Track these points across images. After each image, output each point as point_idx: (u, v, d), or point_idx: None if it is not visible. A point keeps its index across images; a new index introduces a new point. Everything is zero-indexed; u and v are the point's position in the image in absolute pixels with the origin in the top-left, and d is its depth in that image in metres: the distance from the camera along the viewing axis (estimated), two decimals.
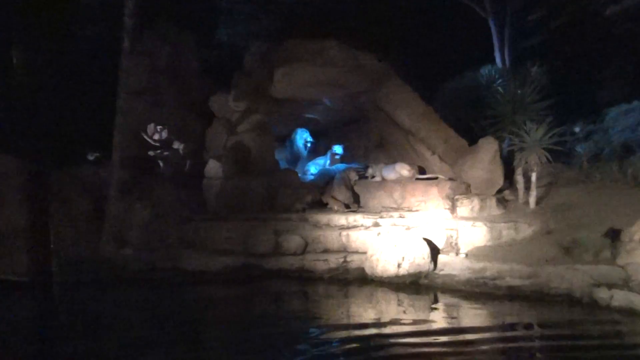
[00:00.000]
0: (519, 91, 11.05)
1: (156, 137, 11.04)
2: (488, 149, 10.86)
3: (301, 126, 13.77)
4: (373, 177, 12.03)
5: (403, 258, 8.29)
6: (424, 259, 8.38)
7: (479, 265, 8.14)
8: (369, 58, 11.64)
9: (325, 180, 12.42)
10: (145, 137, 10.87)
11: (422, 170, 11.85)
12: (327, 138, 14.43)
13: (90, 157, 11.04)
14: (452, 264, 8.47)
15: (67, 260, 9.13)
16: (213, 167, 11.63)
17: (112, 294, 8.53)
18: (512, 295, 7.49)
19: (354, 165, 12.69)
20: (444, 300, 7.68)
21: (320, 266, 8.97)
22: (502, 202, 10.69)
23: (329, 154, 13.37)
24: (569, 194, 10.65)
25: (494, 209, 10.44)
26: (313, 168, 13.37)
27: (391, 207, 10.93)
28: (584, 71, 16.10)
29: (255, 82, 12.16)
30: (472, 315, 7.04)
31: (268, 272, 9.15)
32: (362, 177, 12.16)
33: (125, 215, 9.86)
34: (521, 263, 7.88)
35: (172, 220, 10.21)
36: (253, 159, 11.97)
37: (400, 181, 11.21)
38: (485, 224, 9.20)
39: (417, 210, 10.50)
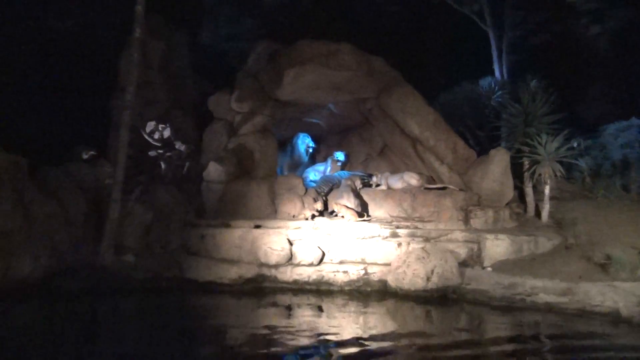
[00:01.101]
0: (533, 101, 10.93)
1: (156, 136, 10.35)
2: (500, 160, 10.70)
3: (301, 131, 13.30)
4: (378, 185, 11.69)
5: (432, 271, 7.94)
6: (452, 272, 8.06)
7: (509, 280, 7.87)
8: (380, 63, 11.32)
9: (329, 187, 11.98)
10: (145, 135, 10.16)
11: (428, 180, 11.58)
12: (324, 144, 13.99)
13: (85, 156, 10.21)
14: (479, 278, 8.17)
15: (64, 267, 8.32)
16: (214, 170, 11.01)
17: (113, 304, 7.82)
18: (550, 311, 7.21)
19: (357, 173, 12.31)
20: (489, 316, 7.29)
21: (340, 278, 8.49)
22: (514, 214, 10.54)
23: (329, 161, 12.92)
24: (576, 209, 10.57)
25: (508, 222, 10.29)
26: (312, 174, 12.90)
27: (401, 217, 10.60)
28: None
29: (260, 83, 11.65)
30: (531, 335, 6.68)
31: (283, 284, 8.60)
32: (366, 185, 11.81)
33: (124, 219, 9.11)
34: (552, 278, 7.66)
35: (175, 225, 9.52)
36: (256, 163, 11.41)
37: (410, 191, 10.89)
38: (508, 237, 8.97)
39: (429, 221, 10.20)
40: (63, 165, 9.82)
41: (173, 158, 10.27)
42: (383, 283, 8.42)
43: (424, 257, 8.09)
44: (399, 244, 8.86)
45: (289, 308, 7.84)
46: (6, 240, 7.69)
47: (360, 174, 12.29)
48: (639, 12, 15.18)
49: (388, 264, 8.67)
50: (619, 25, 16.08)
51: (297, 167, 13.09)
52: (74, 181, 9.43)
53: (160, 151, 10.05)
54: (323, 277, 8.55)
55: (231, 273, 8.52)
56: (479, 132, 14.37)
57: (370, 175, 11.96)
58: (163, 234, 9.46)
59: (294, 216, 10.60)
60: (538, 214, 10.77)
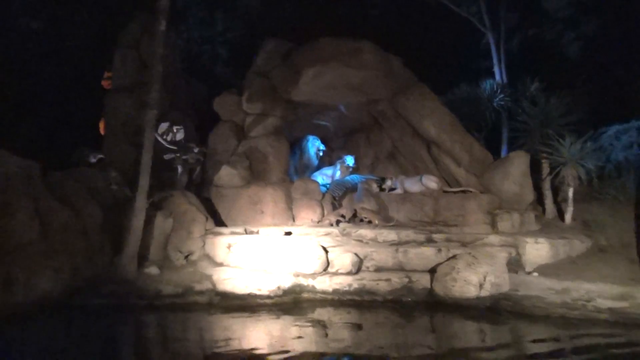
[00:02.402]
0: (551, 101, 10.89)
1: (169, 138, 9.63)
2: (519, 162, 10.60)
3: (307, 133, 12.81)
4: (392, 189, 11.35)
5: (485, 278, 7.65)
6: (503, 278, 7.79)
7: (560, 285, 7.67)
8: (398, 63, 11.02)
9: (343, 191, 11.57)
10: (158, 137, 9.44)
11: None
12: (329, 147, 13.54)
13: (93, 159, 9.41)
14: (527, 284, 7.93)
15: (83, 282, 7.54)
16: (226, 175, 10.42)
17: (142, 323, 7.12)
18: (617, 319, 6.98)
19: (369, 177, 11.94)
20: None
21: (383, 287, 8.07)
22: (538, 217, 10.46)
23: (337, 165, 12.49)
24: (593, 211, 10.60)
25: (533, 225, 10.17)
26: (320, 179, 12.41)
27: (423, 221, 10.30)
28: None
29: (272, 82, 11.12)
30: None
31: (322, 294, 8.10)
32: (380, 189, 11.47)
33: (144, 229, 8.38)
34: (605, 282, 7.52)
35: (197, 234, 8.85)
36: (269, 167, 10.86)
37: (431, 194, 10.63)
38: (547, 241, 8.81)
39: (454, 225, 9.94)
40: (70, 169, 8.99)
41: (189, 161, 9.57)
42: (427, 291, 8.03)
43: (473, 263, 7.78)
44: (439, 250, 8.53)
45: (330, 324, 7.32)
46: (24, 253, 6.87)
47: (373, 177, 11.93)
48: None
49: (428, 271, 8.31)
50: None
51: (306, 170, 12.58)
52: (83, 186, 8.61)
53: (177, 154, 9.31)
54: (365, 285, 8.09)
55: (269, 284, 7.90)
56: (476, 134, 14.30)
57: (384, 179, 11.61)
58: (184, 244, 8.75)
59: (318, 222, 10.15)
60: (558, 216, 10.75)
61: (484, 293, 7.63)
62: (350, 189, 11.68)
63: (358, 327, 7.33)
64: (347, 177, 12.13)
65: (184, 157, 9.44)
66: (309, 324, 7.29)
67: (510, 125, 12.28)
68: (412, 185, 11.15)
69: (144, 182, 7.81)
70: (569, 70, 16.87)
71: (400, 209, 10.68)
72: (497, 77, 14.81)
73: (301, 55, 10.47)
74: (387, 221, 9.95)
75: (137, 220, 7.79)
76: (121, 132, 11.71)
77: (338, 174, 12.45)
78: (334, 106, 11.88)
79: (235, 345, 6.07)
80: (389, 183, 11.45)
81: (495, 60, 14.86)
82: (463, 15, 15.09)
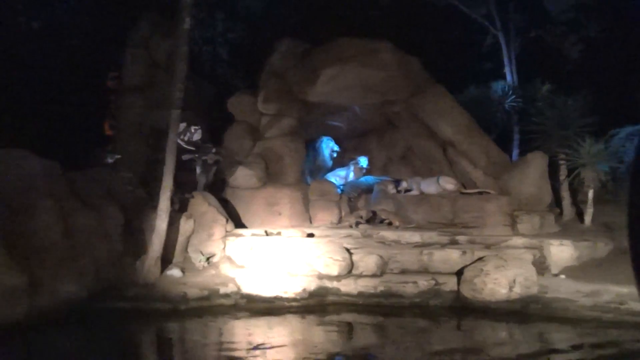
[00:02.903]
0: (569, 102, 10.86)
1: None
2: (538, 164, 10.55)
3: (321, 134, 12.68)
4: (408, 190, 11.25)
5: (514, 280, 7.56)
6: (533, 280, 7.71)
7: (589, 287, 7.61)
8: (416, 63, 10.93)
9: (358, 193, 11.47)
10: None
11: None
12: (341, 148, 13.40)
13: (110, 160, 9.24)
14: (554, 287, 7.86)
15: (106, 285, 7.37)
16: (242, 176, 10.29)
17: (171, 329, 6.96)
18: None
19: (384, 178, 11.84)
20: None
21: (410, 289, 7.97)
22: (558, 219, 10.41)
23: (351, 166, 12.35)
24: (610, 213, 10.54)
25: (553, 226, 10.13)
26: (333, 180, 12.27)
27: (442, 223, 10.22)
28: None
29: (287, 83, 10.99)
30: None
31: (347, 297, 7.98)
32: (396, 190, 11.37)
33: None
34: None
35: (218, 235, 8.70)
36: (286, 168, 10.73)
37: (448, 195, 10.55)
38: (572, 243, 8.76)
39: (473, 227, 9.87)
40: (86, 170, 8.81)
41: (208, 162, 9.42)
42: (455, 294, 7.94)
43: (503, 266, 7.70)
44: (464, 252, 8.44)
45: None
46: (48, 256, 6.69)
47: (387, 179, 11.82)
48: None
49: (454, 273, 8.22)
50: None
51: (320, 172, 12.44)
52: (103, 187, 8.44)
53: (196, 155, 9.16)
54: (391, 288, 7.97)
55: (294, 286, 7.77)
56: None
57: (399, 181, 11.51)
58: (206, 246, 8.60)
59: (338, 223, 10.05)
60: (576, 218, 10.73)
61: (514, 296, 7.54)
62: (365, 190, 11.58)
63: (387, 331, 7.23)
64: (361, 179, 12.02)
65: (202, 157, 9.25)
66: (337, 327, 7.20)
67: (524, 127, 12.23)
68: (428, 186, 11.06)
69: (168, 183, 7.65)
70: (571, 72, 16.91)
71: (417, 211, 10.58)
72: (508, 78, 14.76)
73: (319, 56, 10.36)
74: (407, 223, 9.86)
75: (161, 222, 7.63)
76: (132, 132, 11.55)
77: (351, 175, 12.32)
78: (348, 107, 11.77)
79: (270, 350, 5.92)
80: (404, 184, 11.33)
81: (506, 62, 14.82)
82: (473, 16, 15.03)
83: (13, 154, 7.12)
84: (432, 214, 10.43)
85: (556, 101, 11.12)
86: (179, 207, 8.67)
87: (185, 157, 9.18)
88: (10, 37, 13.69)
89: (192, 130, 9.28)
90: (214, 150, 9.74)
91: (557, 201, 10.97)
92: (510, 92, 14.09)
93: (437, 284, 8.04)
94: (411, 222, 9.96)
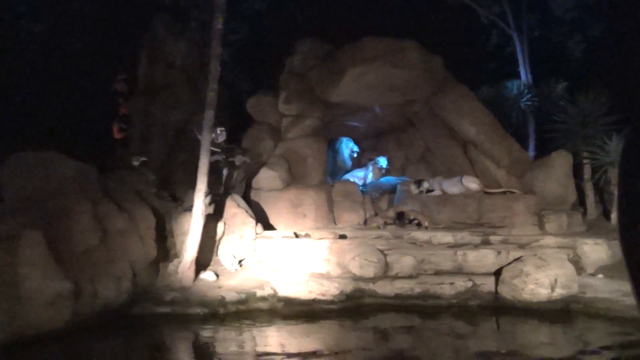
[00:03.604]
0: (591, 98, 10.83)
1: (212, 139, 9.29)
2: (562, 163, 10.54)
3: (340, 134, 12.57)
4: (430, 191, 11.16)
5: (556, 280, 7.49)
6: (573, 280, 7.64)
7: (626, 286, 7.53)
8: (439, 62, 10.84)
9: (379, 193, 11.37)
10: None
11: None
12: (359, 149, 13.30)
13: (135, 162, 9.07)
14: (593, 286, 7.81)
15: (141, 290, 7.21)
16: (266, 177, 10.17)
17: (216, 336, 6.76)
18: None
19: (404, 179, 11.75)
20: None
21: (447, 291, 7.87)
22: (583, 218, 10.37)
23: (370, 166, 12.27)
24: None
25: (580, 225, 10.08)
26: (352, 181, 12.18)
27: (467, 223, 10.15)
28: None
29: (309, 83, 10.88)
30: None
31: (384, 299, 7.87)
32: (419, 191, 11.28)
33: None
34: None
35: (248, 238, 8.56)
36: (309, 169, 10.62)
37: (473, 195, 10.48)
38: (605, 242, 8.71)
39: (501, 227, 9.80)
40: (113, 172, 8.65)
41: (236, 164, 9.27)
42: (493, 294, 7.85)
43: (543, 265, 7.62)
44: (498, 252, 8.37)
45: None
46: (87, 262, 6.52)
47: (408, 179, 11.74)
48: None
49: (491, 274, 8.14)
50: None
51: (339, 172, 12.33)
52: (131, 189, 8.28)
53: (224, 157, 9.01)
54: (428, 289, 7.87)
55: (331, 289, 7.65)
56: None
57: (421, 181, 11.41)
58: (237, 248, 8.45)
59: (363, 224, 9.92)
60: (600, 216, 10.70)
61: (555, 296, 7.47)
62: (387, 191, 11.49)
63: (428, 332, 7.12)
64: (382, 179, 11.94)
65: (230, 159, 9.10)
66: (388, 331, 7.07)
67: (543, 126, 12.19)
68: (451, 186, 10.98)
69: (202, 185, 7.50)
70: (577, 70, 16.90)
71: (441, 211, 10.50)
72: (523, 77, 14.74)
73: (343, 56, 10.24)
74: (435, 223, 9.77)
75: (197, 225, 7.48)
76: (152, 133, 11.40)
77: (370, 175, 12.25)
78: (369, 107, 11.67)
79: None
80: (426, 185, 11.24)
81: (520, 61, 14.80)
82: (486, 16, 15.00)
83: (46, 157, 6.93)
84: (457, 214, 10.35)
85: (579, 99, 11.07)
86: (209, 210, 8.49)
87: (212, 158, 8.99)
88: (24, 40, 13.53)
89: (218, 132, 9.10)
90: (240, 151, 9.56)
91: (581, 200, 10.94)
92: (526, 91, 14.07)
93: (474, 284, 7.95)
94: (439, 223, 9.85)
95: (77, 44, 14.86)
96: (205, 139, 7.67)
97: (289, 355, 5.66)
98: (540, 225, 9.76)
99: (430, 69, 10.48)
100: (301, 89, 10.84)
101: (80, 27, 14.97)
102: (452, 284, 7.94)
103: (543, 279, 7.48)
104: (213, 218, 8.47)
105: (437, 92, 11.02)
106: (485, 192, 10.66)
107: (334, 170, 12.31)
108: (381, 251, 8.30)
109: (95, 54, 14.22)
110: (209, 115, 7.65)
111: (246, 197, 10.31)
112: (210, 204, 8.45)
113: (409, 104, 11.54)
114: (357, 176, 12.33)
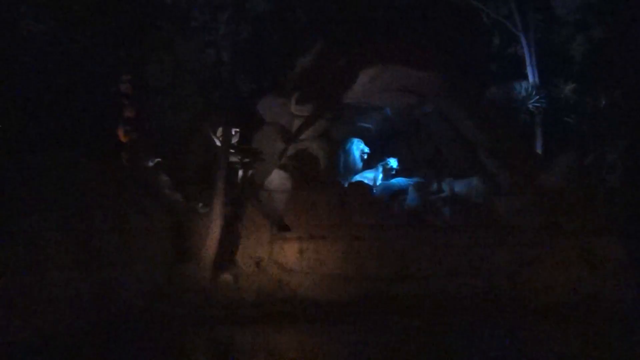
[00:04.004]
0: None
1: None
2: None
3: (351, 135, 12.51)
4: (441, 192, 11.15)
5: None
6: None
7: None
8: (451, 64, 10.83)
9: (390, 194, 11.34)
10: (217, 141, 9.07)
11: None
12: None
13: (150, 163, 9.01)
14: None
15: (159, 290, 7.16)
16: (278, 178, 10.11)
17: (240, 338, 6.72)
18: None
19: (417, 180, 11.71)
20: None
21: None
22: None
23: (379, 167, 12.18)
24: None
25: None
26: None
27: None
28: None
29: (322, 84, 10.83)
30: None
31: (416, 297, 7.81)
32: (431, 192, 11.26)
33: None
34: None
35: (264, 239, 8.52)
36: (321, 169, 10.57)
37: None
38: None
39: None
40: (131, 173, 8.60)
41: (250, 165, 9.23)
42: None
43: None
44: None
45: None
46: (108, 261, 6.49)
47: (418, 180, 11.70)
48: None
49: None
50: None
51: (350, 173, 12.25)
52: (148, 191, 8.23)
53: (239, 157, 8.97)
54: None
55: (353, 290, 7.61)
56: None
57: (431, 182, 11.38)
58: (253, 250, 8.41)
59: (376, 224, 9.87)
60: None
61: None
62: (397, 192, 11.44)
63: None
64: (392, 180, 11.89)
65: (245, 160, 9.06)
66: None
67: (555, 127, 12.18)
68: (461, 187, 10.98)
69: (221, 187, 7.50)
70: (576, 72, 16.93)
71: None
72: (530, 78, 14.72)
73: (359, 56, 10.21)
74: None
75: (216, 227, 7.48)
76: (164, 134, 11.33)
77: (380, 176, 12.18)
78: (380, 108, 11.65)
79: None
80: (435, 186, 11.24)
81: (527, 62, 14.79)
82: (494, 17, 15.01)
83: (65, 156, 6.88)
84: None
85: (599, 99, 11.07)
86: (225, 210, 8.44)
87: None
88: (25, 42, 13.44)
89: (234, 133, 9.06)
90: (255, 153, 9.52)
91: None
92: (534, 92, 14.05)
93: None
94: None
95: (80, 45, 14.74)
96: (224, 141, 7.62)
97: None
98: None
99: (442, 69, 10.47)
100: (314, 90, 10.79)
101: (83, 28, 14.83)
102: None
103: None
104: (230, 219, 8.41)
105: (447, 94, 11.02)
106: None
107: (344, 171, 12.23)
108: (399, 251, 8.26)
109: (98, 55, 14.12)
110: (227, 115, 7.60)
111: (259, 199, 10.27)
112: (227, 205, 8.38)
113: (420, 105, 11.52)
114: (367, 177, 12.22)
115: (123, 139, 12.70)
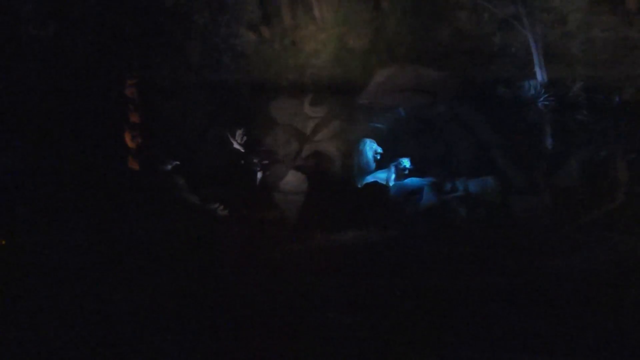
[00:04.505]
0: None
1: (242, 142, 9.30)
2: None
3: (363, 135, 12.51)
4: (455, 191, 11.16)
5: None
6: None
7: None
8: (463, 63, 10.85)
9: (404, 195, 11.33)
10: (235, 143, 9.07)
11: None
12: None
13: (168, 167, 9.02)
14: None
15: None
16: (294, 180, 10.12)
17: None
18: None
19: (430, 180, 11.71)
20: None
21: None
22: None
23: (392, 168, 12.17)
24: None
25: None
26: None
27: None
28: None
29: (335, 84, 10.85)
30: None
31: None
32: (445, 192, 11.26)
33: None
34: None
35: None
36: (337, 170, 10.59)
37: None
38: None
39: None
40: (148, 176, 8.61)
41: (268, 167, 9.24)
42: None
43: None
44: None
45: None
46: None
47: (432, 180, 11.70)
48: None
49: None
50: None
51: (362, 174, 12.24)
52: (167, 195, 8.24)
53: (256, 159, 8.97)
54: None
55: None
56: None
57: (446, 182, 11.39)
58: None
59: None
60: None
61: None
62: (412, 192, 11.44)
63: None
64: (406, 181, 11.87)
65: (264, 161, 9.05)
66: None
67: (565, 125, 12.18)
68: (476, 187, 11.00)
69: (243, 190, 7.44)
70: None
71: None
72: (538, 77, 14.73)
73: (373, 56, 10.23)
74: None
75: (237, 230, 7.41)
76: (174, 136, 11.32)
77: (393, 177, 12.16)
78: (393, 108, 11.67)
79: None
80: (449, 186, 11.26)
81: (535, 61, 14.79)
82: (501, 16, 15.02)
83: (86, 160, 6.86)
84: None
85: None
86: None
87: (246, 160, 8.98)
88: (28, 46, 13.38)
89: (244, 134, 9.06)
90: (271, 154, 9.54)
91: None
92: (543, 90, 14.07)
93: None
94: None
95: (84, 48, 14.63)
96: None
97: None
98: None
99: (456, 69, 10.50)
100: (328, 90, 10.81)
101: (86, 31, 14.70)
102: None
103: None
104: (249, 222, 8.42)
105: (460, 93, 11.05)
106: None
107: (357, 172, 12.22)
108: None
109: (102, 59, 14.02)
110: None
111: (274, 200, 10.28)
112: (246, 207, 8.39)
113: (433, 105, 11.54)
114: (380, 178, 12.22)
115: (130, 144, 12.67)
